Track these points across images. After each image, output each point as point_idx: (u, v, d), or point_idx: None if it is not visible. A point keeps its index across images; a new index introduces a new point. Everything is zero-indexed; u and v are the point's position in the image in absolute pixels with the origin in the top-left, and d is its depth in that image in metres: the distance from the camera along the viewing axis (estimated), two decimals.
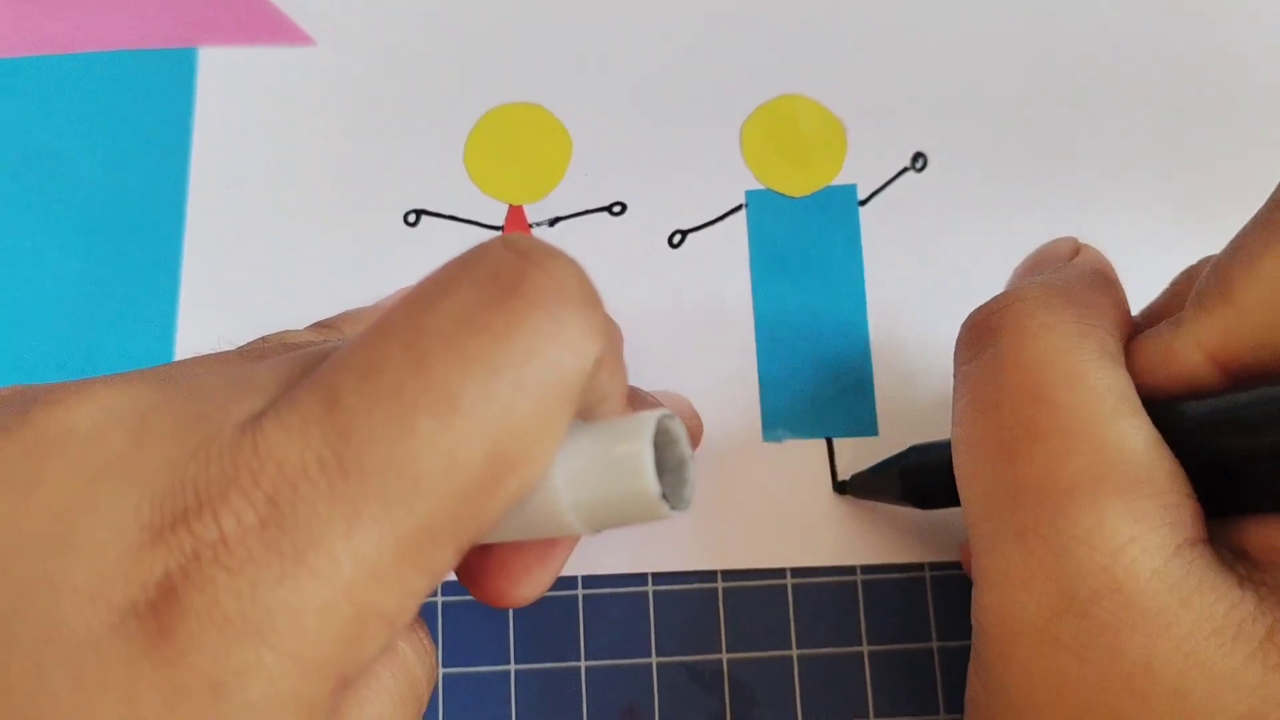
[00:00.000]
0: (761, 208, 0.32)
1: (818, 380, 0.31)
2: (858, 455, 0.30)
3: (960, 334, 0.24)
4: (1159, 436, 0.21)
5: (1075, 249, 0.27)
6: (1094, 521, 0.20)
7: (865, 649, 0.30)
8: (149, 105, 0.34)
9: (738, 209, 0.32)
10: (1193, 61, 0.33)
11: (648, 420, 0.18)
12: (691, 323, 0.31)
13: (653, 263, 0.32)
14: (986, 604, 0.22)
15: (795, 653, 0.30)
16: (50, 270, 0.33)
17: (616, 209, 0.32)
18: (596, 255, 0.32)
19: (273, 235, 0.33)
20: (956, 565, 0.30)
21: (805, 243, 0.32)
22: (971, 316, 0.24)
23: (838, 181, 0.32)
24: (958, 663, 0.29)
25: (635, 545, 0.30)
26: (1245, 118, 0.33)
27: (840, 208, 0.32)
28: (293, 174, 0.33)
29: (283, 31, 0.34)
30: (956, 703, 0.29)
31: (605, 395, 0.19)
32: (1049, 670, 0.20)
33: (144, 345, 0.32)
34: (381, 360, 0.16)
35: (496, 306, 0.17)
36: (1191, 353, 0.22)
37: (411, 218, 0.32)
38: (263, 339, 0.22)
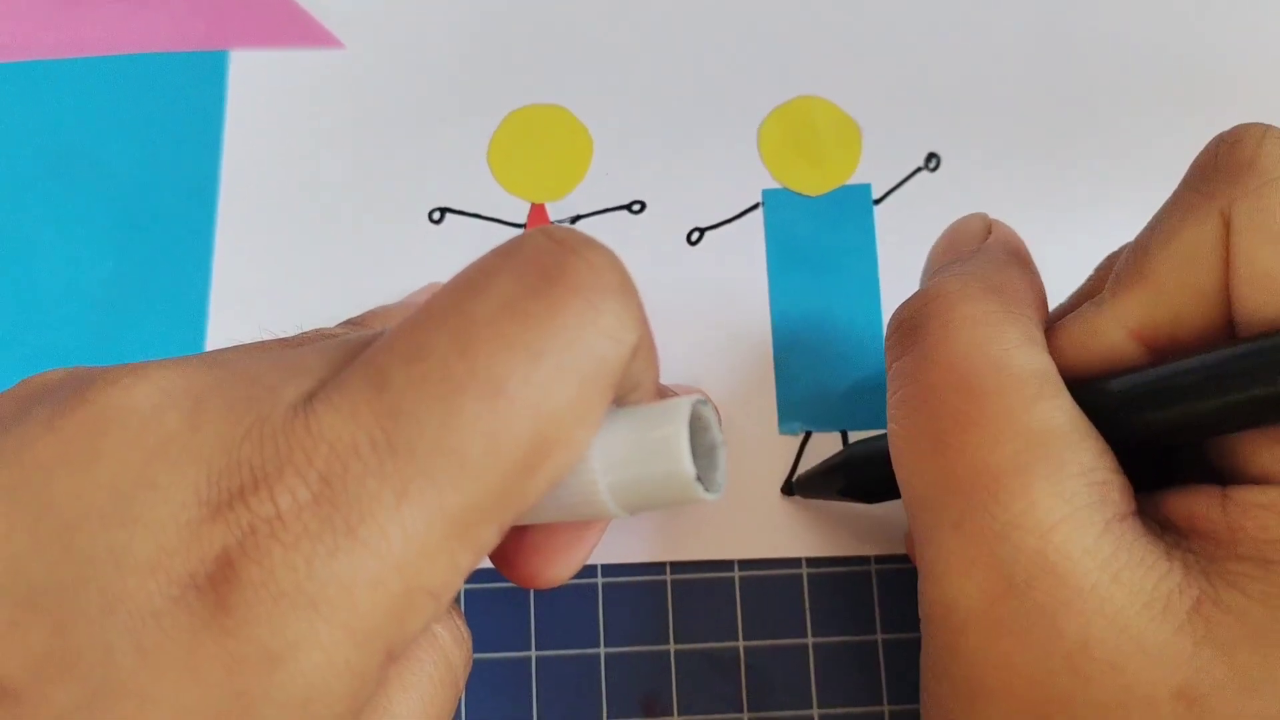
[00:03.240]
0: (778, 206, 0.33)
1: (833, 374, 0.32)
2: None
3: (888, 331, 0.24)
4: (1083, 415, 0.21)
5: (987, 226, 0.27)
6: (1025, 505, 0.20)
7: (880, 637, 0.30)
8: (181, 106, 0.35)
9: (755, 207, 0.33)
10: (1203, 63, 0.34)
11: (683, 405, 0.19)
12: (709, 319, 0.32)
13: (671, 260, 0.32)
14: (930, 595, 0.22)
15: (810, 640, 0.30)
16: (84, 268, 0.33)
17: (636, 207, 0.33)
18: (617, 252, 0.32)
19: (301, 233, 0.33)
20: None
21: (821, 240, 0.33)
22: (897, 314, 0.24)
23: (853, 181, 0.33)
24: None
25: (652, 535, 0.31)
26: (1257, 117, 0.33)
27: (855, 206, 0.33)
28: (321, 173, 0.34)
29: (312, 35, 0.35)
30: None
31: (639, 382, 0.20)
32: (994, 656, 0.21)
33: (176, 343, 0.32)
34: (428, 345, 0.17)
35: (538, 294, 0.17)
36: (1114, 331, 0.22)
37: (436, 216, 0.33)
38: (301, 332, 0.22)
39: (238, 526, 0.15)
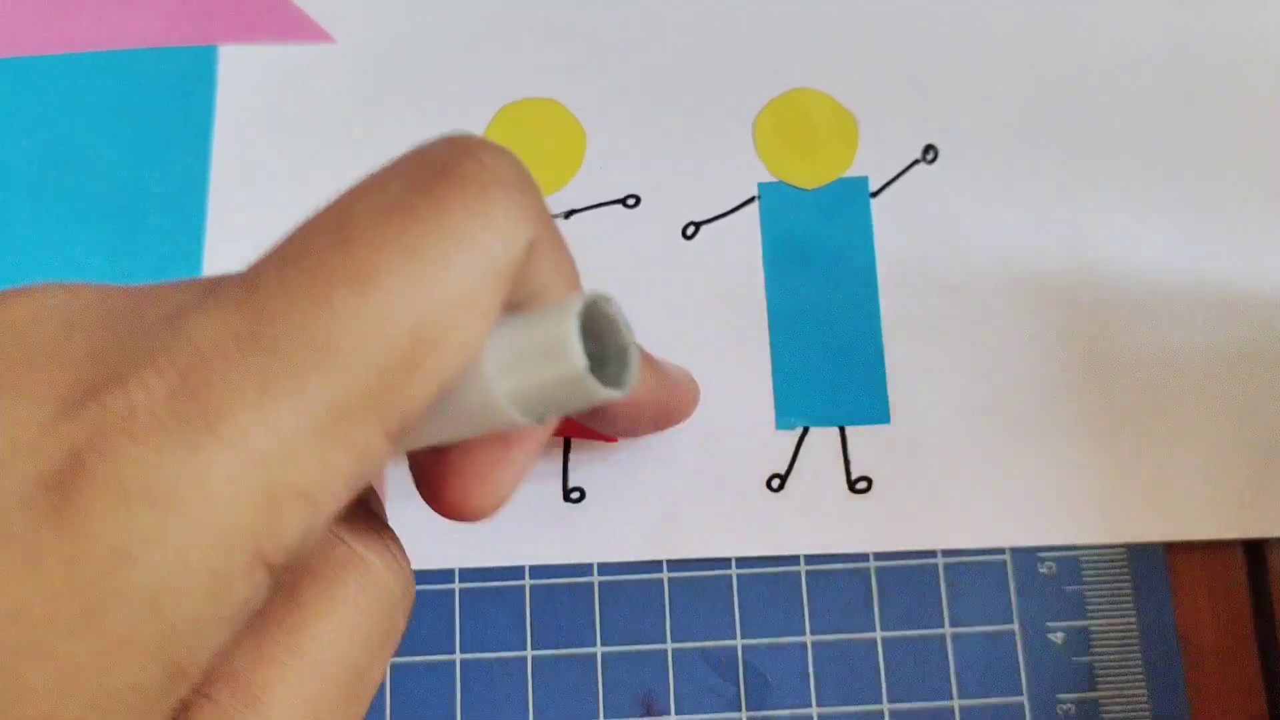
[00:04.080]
0: (774, 200, 0.33)
1: (830, 369, 0.31)
2: (871, 443, 0.31)
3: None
4: None
5: None
6: None
7: (878, 635, 0.30)
8: (171, 102, 0.34)
9: (750, 201, 0.33)
10: (1202, 55, 0.33)
11: (574, 301, 0.18)
12: (705, 313, 0.32)
13: (667, 254, 0.32)
14: None
15: (809, 639, 0.30)
16: (73, 264, 0.33)
17: (631, 202, 0.33)
18: (611, 247, 0.32)
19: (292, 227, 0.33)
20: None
21: (817, 234, 0.32)
22: None
23: (849, 174, 0.33)
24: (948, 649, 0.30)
25: (649, 533, 0.30)
26: (1255, 112, 0.33)
27: (852, 199, 0.33)
28: (312, 168, 0.34)
29: (302, 29, 0.35)
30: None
31: (545, 286, 0.19)
32: None
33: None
34: (306, 246, 0.16)
35: (424, 192, 0.17)
36: None
37: None
38: None
39: (89, 423, 0.15)
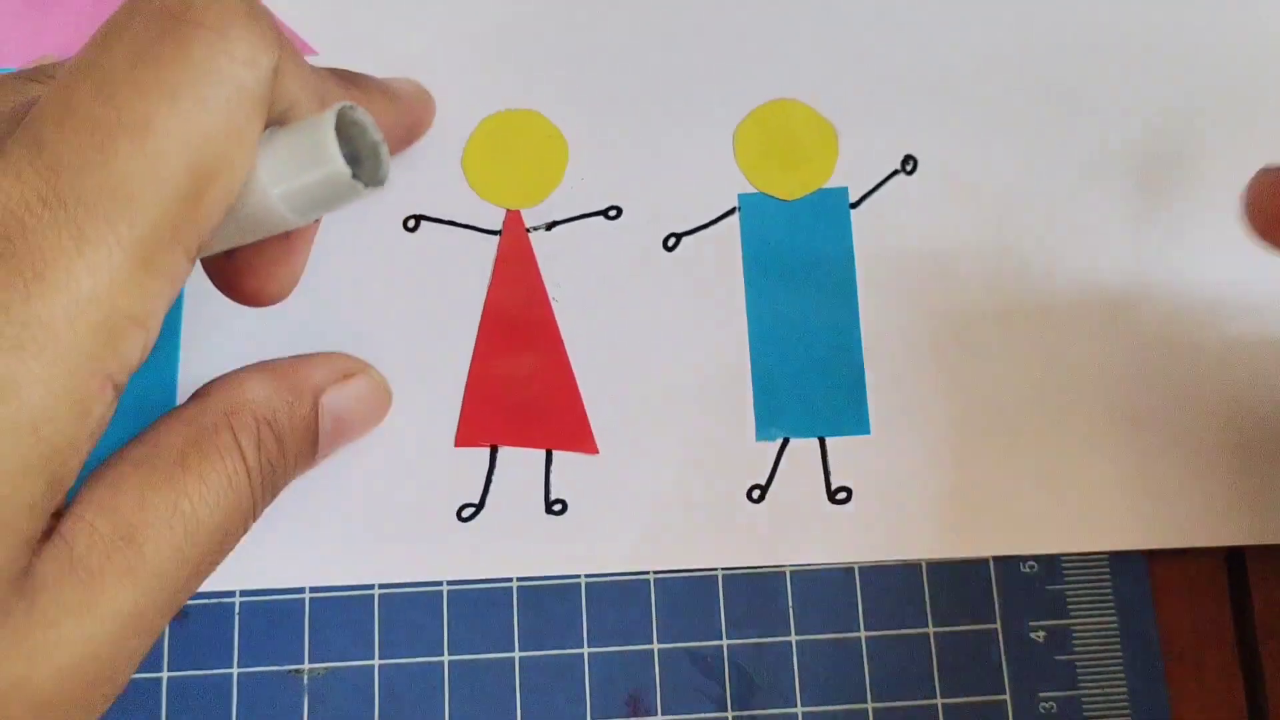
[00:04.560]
0: (754, 211, 0.33)
1: (811, 380, 0.32)
2: (851, 454, 0.31)
3: None
4: None
5: None
6: None
7: (863, 635, 0.30)
8: None
9: (731, 212, 0.33)
10: (1181, 62, 0.33)
11: (329, 112, 0.21)
12: (686, 324, 0.32)
13: (648, 266, 0.32)
14: None
15: (794, 638, 0.30)
16: None
17: (612, 213, 0.33)
18: (593, 258, 0.32)
19: None
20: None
21: (798, 245, 0.32)
22: None
23: (829, 185, 0.33)
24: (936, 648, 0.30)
25: (631, 544, 0.31)
26: (1234, 118, 0.33)
27: (832, 210, 0.33)
28: None
29: None
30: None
31: (295, 100, 0.22)
32: None
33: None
34: (74, 101, 0.18)
35: (167, 36, 0.19)
36: None
37: (411, 223, 0.33)
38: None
39: None
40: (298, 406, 0.26)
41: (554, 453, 0.31)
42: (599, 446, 0.31)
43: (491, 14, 0.34)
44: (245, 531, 0.24)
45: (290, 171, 0.21)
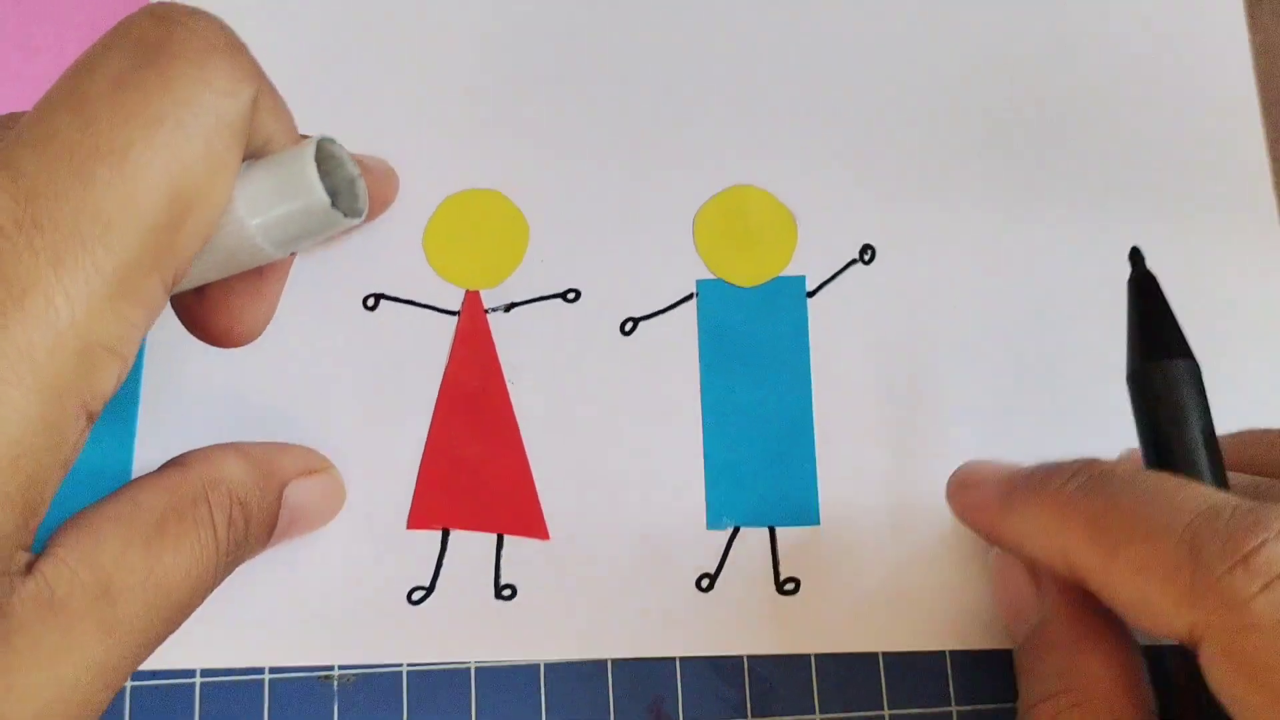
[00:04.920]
0: (711, 297, 0.33)
1: (763, 469, 0.32)
2: (800, 544, 0.31)
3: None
4: None
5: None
6: None
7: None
8: None
9: (689, 298, 0.33)
10: (1140, 136, 0.34)
11: (309, 143, 0.21)
12: (640, 409, 0.32)
13: (605, 349, 0.32)
14: None
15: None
16: None
17: (571, 296, 0.33)
18: (551, 341, 0.32)
19: None
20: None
21: (754, 333, 0.32)
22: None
23: (787, 272, 0.33)
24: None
25: (583, 631, 0.31)
26: (1191, 205, 0.33)
27: (789, 298, 0.33)
28: None
29: None
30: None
31: (270, 135, 0.22)
32: None
33: (104, 426, 0.32)
34: (52, 129, 0.18)
35: (148, 65, 0.19)
36: None
37: (370, 302, 0.33)
38: None
39: None
40: (267, 493, 0.26)
41: (505, 537, 0.31)
42: (550, 532, 0.31)
43: (456, 94, 0.34)
44: (201, 604, 0.24)
45: (269, 202, 0.21)
